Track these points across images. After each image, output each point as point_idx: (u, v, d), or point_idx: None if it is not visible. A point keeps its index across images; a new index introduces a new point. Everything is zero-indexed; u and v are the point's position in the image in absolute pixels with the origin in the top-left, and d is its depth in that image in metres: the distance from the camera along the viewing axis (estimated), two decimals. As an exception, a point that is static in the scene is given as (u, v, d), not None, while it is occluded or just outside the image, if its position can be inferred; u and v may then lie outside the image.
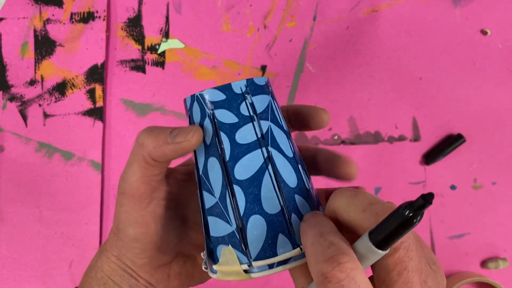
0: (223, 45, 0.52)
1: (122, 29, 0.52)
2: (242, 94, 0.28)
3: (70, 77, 0.51)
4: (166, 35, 0.52)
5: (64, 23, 0.51)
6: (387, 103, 0.53)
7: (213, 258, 0.28)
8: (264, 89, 0.28)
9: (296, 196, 0.27)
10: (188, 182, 0.32)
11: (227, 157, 0.27)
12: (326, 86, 0.53)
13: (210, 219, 0.28)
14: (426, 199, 0.20)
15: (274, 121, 0.28)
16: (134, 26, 0.52)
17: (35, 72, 0.51)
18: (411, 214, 0.20)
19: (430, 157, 0.52)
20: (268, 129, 0.28)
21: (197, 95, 0.28)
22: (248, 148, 0.27)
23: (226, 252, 0.27)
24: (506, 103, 0.53)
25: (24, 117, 0.51)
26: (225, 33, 0.52)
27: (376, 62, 0.53)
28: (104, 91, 0.51)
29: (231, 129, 0.28)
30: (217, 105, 0.28)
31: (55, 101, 0.51)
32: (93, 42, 0.51)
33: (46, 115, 0.51)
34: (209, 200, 0.28)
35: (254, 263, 0.27)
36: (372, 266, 0.23)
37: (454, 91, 0.53)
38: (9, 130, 0.51)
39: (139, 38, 0.52)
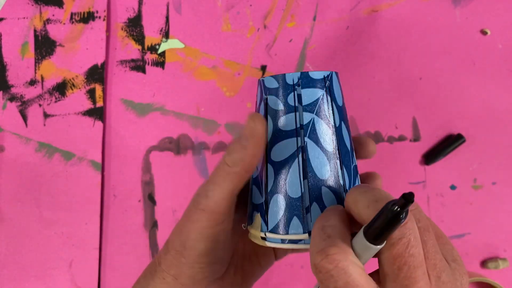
0: (223, 45, 0.52)
1: (122, 29, 0.52)
2: (293, 85, 0.30)
3: (70, 77, 0.51)
4: (166, 35, 0.52)
5: (64, 23, 0.51)
6: (387, 103, 0.53)
7: (251, 220, 0.32)
8: (317, 83, 0.30)
9: (323, 188, 0.29)
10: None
11: (269, 138, 0.31)
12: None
13: (253, 188, 0.31)
14: (407, 199, 0.21)
15: (320, 114, 0.30)
16: (134, 26, 0.52)
17: (35, 72, 0.51)
18: (396, 211, 0.21)
19: (430, 157, 0.52)
20: (310, 121, 0.30)
21: (260, 80, 0.32)
22: (286, 134, 0.30)
23: (256, 218, 0.31)
24: (506, 103, 0.53)
25: (24, 117, 0.51)
26: (225, 33, 0.52)
27: (376, 62, 0.53)
28: (104, 91, 0.51)
29: (276, 115, 0.30)
30: (270, 91, 0.31)
31: (55, 101, 0.51)
32: (93, 42, 0.51)
33: (46, 115, 0.51)
34: (255, 172, 0.31)
35: (268, 234, 0.30)
36: (378, 263, 0.24)
37: (454, 91, 0.53)
38: (9, 130, 0.51)
39: (139, 38, 0.52)
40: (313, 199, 0.29)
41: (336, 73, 0.31)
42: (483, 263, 0.53)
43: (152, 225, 0.52)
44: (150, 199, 0.52)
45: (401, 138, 0.53)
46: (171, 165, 0.52)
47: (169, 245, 0.31)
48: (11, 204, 0.51)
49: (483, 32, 0.53)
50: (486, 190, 0.53)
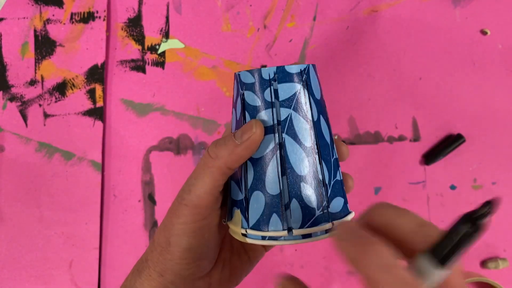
0: (223, 45, 0.52)
1: (122, 29, 0.52)
2: (269, 80, 0.30)
3: (70, 77, 0.51)
4: (166, 35, 0.52)
5: (64, 23, 0.51)
6: (387, 103, 0.53)
7: (230, 215, 0.32)
8: (294, 77, 0.29)
9: (302, 184, 0.29)
10: (227, 189, 0.34)
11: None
12: (326, 86, 0.53)
13: (232, 183, 0.31)
14: (490, 209, 0.19)
15: (298, 109, 0.29)
16: (134, 26, 0.52)
17: (35, 72, 0.51)
18: (473, 228, 0.19)
19: (430, 157, 0.52)
20: (288, 116, 0.29)
21: (236, 74, 0.31)
22: (264, 131, 0.29)
23: (236, 214, 0.31)
24: (506, 103, 0.53)
25: (24, 117, 0.51)
26: (225, 33, 0.52)
27: (376, 62, 0.53)
28: (104, 91, 0.51)
29: (254, 111, 0.30)
30: (247, 87, 0.30)
31: (55, 101, 0.51)
32: (93, 42, 0.51)
33: (46, 115, 0.51)
34: None
35: (249, 231, 0.30)
36: None
37: (454, 91, 0.53)
38: (9, 130, 0.51)
39: (139, 38, 0.52)
40: (292, 196, 0.29)
41: (314, 66, 0.31)
42: (483, 263, 0.53)
43: (152, 225, 0.52)
44: (150, 199, 0.52)
45: (401, 138, 0.53)
46: (171, 165, 0.52)
47: (155, 242, 0.31)
48: (11, 204, 0.51)
49: (483, 32, 0.53)
50: (486, 190, 0.53)
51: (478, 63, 0.53)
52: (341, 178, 0.32)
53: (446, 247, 0.20)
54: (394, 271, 0.20)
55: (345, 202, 0.31)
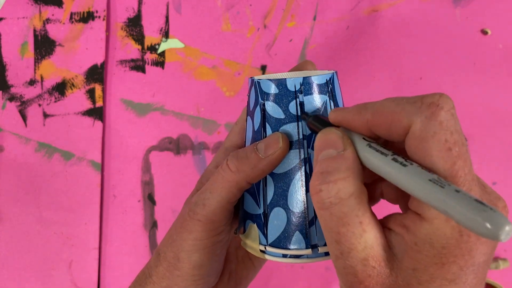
0: (223, 45, 0.52)
1: (122, 29, 0.52)
2: (295, 92, 0.28)
3: (69, 77, 0.51)
4: (166, 35, 0.52)
5: (63, 23, 0.51)
6: (387, 103, 0.53)
7: (243, 228, 0.30)
8: (322, 89, 0.28)
9: None
10: None
11: None
12: (326, 86, 0.53)
13: (246, 195, 0.30)
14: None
15: None
16: (134, 26, 0.52)
17: (35, 72, 0.51)
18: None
19: (430, 157, 0.52)
20: None
21: (255, 81, 0.29)
22: (291, 145, 0.28)
23: (251, 228, 0.29)
24: (506, 103, 0.53)
25: (24, 117, 0.51)
26: (225, 33, 0.52)
27: (376, 62, 0.53)
28: (103, 91, 0.51)
29: (276, 124, 0.28)
30: (268, 97, 0.28)
31: (55, 101, 0.51)
32: (92, 42, 0.51)
33: (45, 115, 0.51)
34: None
35: (268, 248, 0.28)
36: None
37: (454, 91, 0.53)
38: (9, 130, 0.51)
39: (139, 38, 0.52)
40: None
41: (336, 73, 0.30)
42: (483, 263, 0.53)
43: (152, 225, 0.52)
44: (150, 199, 0.52)
45: (401, 138, 0.53)
46: (171, 165, 0.52)
47: (160, 256, 0.30)
48: (11, 204, 0.51)
49: (483, 32, 0.52)
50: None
51: (479, 63, 0.53)
52: None
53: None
54: (326, 131, 0.24)
55: None
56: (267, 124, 0.29)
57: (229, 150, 0.32)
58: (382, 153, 0.22)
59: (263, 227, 0.29)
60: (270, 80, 0.28)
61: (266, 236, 0.29)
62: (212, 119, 0.52)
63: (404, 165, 0.20)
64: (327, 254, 0.28)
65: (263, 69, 0.52)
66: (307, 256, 0.28)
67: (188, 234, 0.28)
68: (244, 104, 0.52)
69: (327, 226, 0.22)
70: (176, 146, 0.52)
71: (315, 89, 0.28)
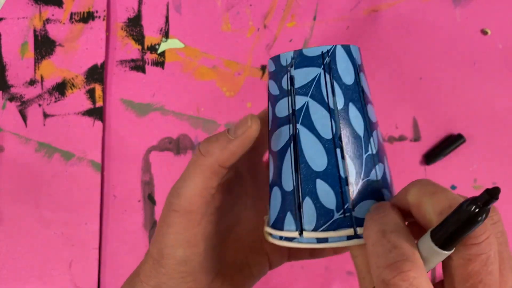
0: (223, 45, 0.52)
1: (122, 29, 0.52)
2: (286, 67, 0.27)
3: (70, 77, 0.51)
4: (166, 35, 0.52)
5: (64, 23, 0.51)
6: (387, 103, 0.53)
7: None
8: (313, 61, 0.26)
9: (318, 181, 0.25)
10: (227, 193, 0.30)
11: (269, 127, 0.28)
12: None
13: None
14: (492, 194, 0.18)
15: (316, 97, 0.26)
16: (134, 26, 0.52)
17: (35, 72, 0.51)
18: (475, 211, 0.19)
19: (430, 157, 0.52)
20: (304, 105, 0.26)
21: (269, 61, 0.29)
22: (281, 122, 0.27)
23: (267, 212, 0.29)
24: (507, 103, 0.53)
25: (24, 117, 0.51)
26: (225, 33, 0.52)
27: (376, 62, 0.53)
28: (104, 91, 0.51)
29: (274, 101, 0.28)
30: (270, 75, 0.28)
31: (55, 101, 0.51)
32: (93, 42, 0.51)
33: (46, 115, 0.51)
34: None
35: (268, 229, 0.28)
36: (444, 272, 0.22)
37: (454, 91, 0.53)
38: (9, 130, 0.51)
39: (139, 38, 0.52)
40: (306, 194, 0.25)
41: (347, 47, 0.27)
42: (483, 263, 0.53)
43: (152, 225, 0.52)
44: (150, 199, 0.52)
45: (401, 138, 0.53)
46: (171, 165, 0.52)
47: (147, 254, 0.28)
48: (11, 204, 0.51)
49: (483, 32, 0.52)
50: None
51: (479, 63, 0.53)
52: (382, 178, 0.27)
53: (445, 230, 0.20)
54: (389, 236, 0.20)
55: None
56: (269, 102, 0.28)
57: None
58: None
59: (269, 208, 0.28)
60: (271, 58, 0.28)
61: (269, 218, 0.28)
62: (212, 119, 0.52)
63: None
64: (320, 241, 0.25)
65: (263, 69, 0.52)
66: (298, 240, 0.26)
67: (168, 228, 0.27)
68: (243, 104, 0.52)
69: None
70: (176, 146, 0.52)
71: (306, 61, 0.26)
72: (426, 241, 0.20)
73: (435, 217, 0.21)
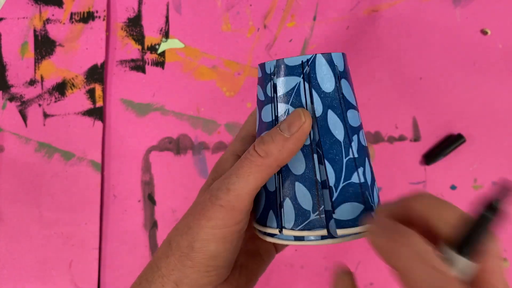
0: (223, 45, 0.52)
1: (122, 29, 0.52)
2: (270, 75, 0.28)
3: (70, 77, 0.51)
4: (166, 35, 0.52)
5: (64, 23, 0.51)
6: (387, 103, 0.53)
7: None
8: (294, 71, 0.27)
9: (297, 184, 0.27)
10: None
11: (257, 129, 0.30)
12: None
13: None
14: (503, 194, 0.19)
15: (295, 105, 0.27)
16: (134, 26, 0.52)
17: (35, 72, 0.51)
18: (495, 214, 0.20)
19: (430, 157, 0.52)
20: (285, 112, 0.27)
21: (258, 66, 0.30)
22: (266, 126, 0.29)
23: None
24: (507, 103, 0.53)
25: (24, 117, 0.51)
26: (225, 33, 0.52)
27: (376, 62, 0.53)
28: (104, 91, 0.51)
29: (261, 106, 0.29)
30: (258, 81, 0.30)
31: (55, 101, 0.51)
32: (93, 42, 0.51)
33: (46, 115, 0.51)
34: None
35: (255, 224, 0.30)
36: None
37: (454, 91, 0.53)
38: (9, 130, 0.51)
39: (139, 38, 0.52)
40: (286, 195, 0.27)
41: (325, 55, 0.28)
42: (483, 263, 0.53)
43: (152, 225, 0.52)
44: (150, 199, 0.52)
45: (401, 138, 0.53)
46: (171, 165, 0.52)
47: (172, 246, 0.28)
48: (11, 204, 0.51)
49: (483, 32, 0.52)
50: (487, 190, 0.53)
51: (479, 63, 0.53)
52: (365, 181, 0.28)
53: (463, 236, 0.20)
54: (427, 259, 0.20)
55: (368, 209, 0.28)
56: (257, 107, 0.30)
57: (245, 139, 0.32)
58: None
59: (255, 205, 0.30)
60: (260, 64, 0.29)
61: (256, 214, 0.30)
62: (212, 119, 0.52)
63: None
64: (297, 238, 0.27)
65: (263, 69, 0.52)
66: (278, 237, 0.28)
67: (207, 222, 0.26)
68: (243, 104, 0.52)
69: None
70: (176, 146, 0.52)
71: (287, 71, 0.28)
72: (447, 251, 0.21)
73: (448, 229, 0.22)
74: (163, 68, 0.52)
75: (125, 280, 0.52)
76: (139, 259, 0.52)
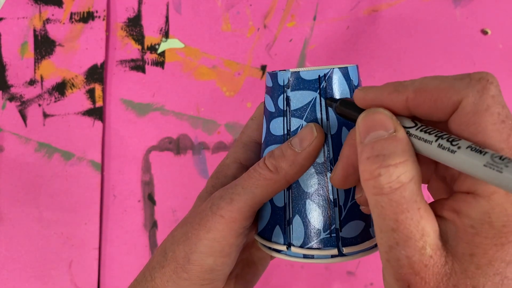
0: (223, 45, 0.52)
1: (122, 29, 0.52)
2: (283, 87, 0.27)
3: (69, 77, 0.51)
4: (166, 35, 0.52)
5: (63, 23, 0.51)
6: (387, 103, 0.53)
7: None
8: (310, 85, 0.26)
9: (308, 202, 0.26)
10: None
11: (263, 140, 0.29)
12: (326, 86, 0.53)
13: None
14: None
15: (310, 120, 0.26)
16: (134, 26, 0.52)
17: (35, 72, 0.51)
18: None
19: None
20: (298, 127, 0.27)
21: (267, 74, 0.29)
22: (275, 139, 0.28)
23: None
24: (507, 104, 0.53)
25: (24, 117, 0.51)
26: (225, 33, 0.52)
27: (376, 62, 0.53)
28: (103, 91, 0.51)
29: (270, 117, 0.28)
30: (267, 90, 0.29)
31: (55, 101, 0.51)
32: (92, 42, 0.51)
33: (45, 115, 0.51)
34: None
35: (256, 237, 0.29)
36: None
37: (454, 91, 0.53)
38: (9, 130, 0.51)
39: (139, 38, 0.52)
40: (296, 212, 0.26)
41: (343, 69, 0.27)
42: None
43: (152, 225, 0.52)
44: (150, 199, 0.52)
45: (401, 138, 0.53)
46: (171, 165, 0.52)
47: (168, 255, 0.27)
48: (11, 204, 0.51)
49: (484, 32, 0.52)
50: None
51: (479, 63, 0.53)
52: None
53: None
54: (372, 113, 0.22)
55: (367, 226, 0.27)
56: (264, 116, 0.29)
57: (247, 145, 0.31)
58: (430, 133, 0.21)
59: (258, 217, 0.30)
60: (269, 73, 0.28)
61: (258, 225, 0.30)
62: (212, 119, 0.52)
63: (459, 147, 0.19)
64: (306, 256, 0.27)
65: (263, 69, 0.52)
66: (285, 253, 0.27)
67: (206, 233, 0.25)
68: (243, 104, 0.52)
69: (383, 214, 0.19)
70: (176, 146, 0.52)
71: (302, 84, 0.27)
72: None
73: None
74: (163, 68, 0.52)
75: (125, 280, 0.52)
76: (139, 259, 0.52)
